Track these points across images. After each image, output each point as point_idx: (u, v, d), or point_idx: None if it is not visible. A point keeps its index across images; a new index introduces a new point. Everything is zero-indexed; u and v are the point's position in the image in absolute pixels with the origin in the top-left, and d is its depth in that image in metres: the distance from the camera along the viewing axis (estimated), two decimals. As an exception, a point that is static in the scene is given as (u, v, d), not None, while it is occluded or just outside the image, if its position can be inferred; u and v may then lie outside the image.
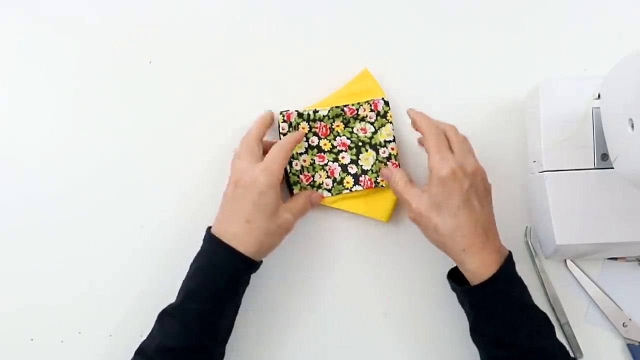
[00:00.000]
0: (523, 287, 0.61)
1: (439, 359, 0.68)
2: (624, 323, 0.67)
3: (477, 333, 0.61)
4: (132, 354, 0.60)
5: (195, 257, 0.63)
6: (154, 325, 0.61)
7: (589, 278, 0.68)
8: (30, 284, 0.69)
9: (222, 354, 0.63)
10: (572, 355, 0.64)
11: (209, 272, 0.61)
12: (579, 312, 0.68)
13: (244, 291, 0.64)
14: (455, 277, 0.62)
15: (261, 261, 0.63)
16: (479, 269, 0.58)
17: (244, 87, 0.71)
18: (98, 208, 0.70)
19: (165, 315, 0.61)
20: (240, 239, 0.60)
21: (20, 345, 0.69)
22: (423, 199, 0.60)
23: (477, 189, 0.60)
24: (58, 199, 0.70)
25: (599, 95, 0.61)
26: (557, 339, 0.60)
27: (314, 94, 0.70)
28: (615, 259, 0.68)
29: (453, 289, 0.63)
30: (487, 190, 0.62)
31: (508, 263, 0.59)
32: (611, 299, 0.68)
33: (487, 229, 0.60)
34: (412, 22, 0.72)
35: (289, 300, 0.69)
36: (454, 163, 0.59)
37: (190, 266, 0.63)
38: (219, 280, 0.61)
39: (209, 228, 0.63)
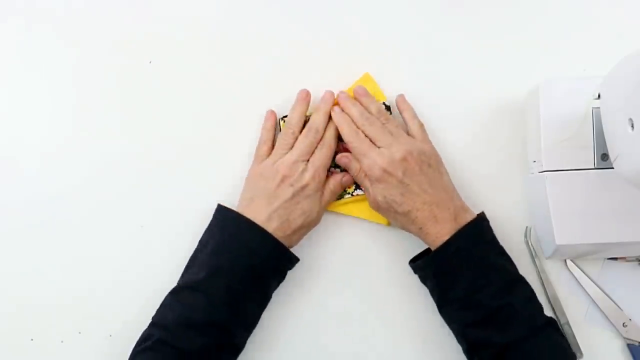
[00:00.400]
0: (490, 249, 0.62)
1: (441, 356, 0.68)
2: (624, 323, 0.67)
3: (445, 304, 0.62)
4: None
5: (215, 235, 0.63)
6: (166, 300, 0.61)
7: (589, 278, 0.68)
8: (30, 284, 0.69)
9: (243, 344, 0.62)
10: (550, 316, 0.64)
11: (240, 253, 0.61)
12: (579, 312, 0.68)
13: (276, 287, 0.64)
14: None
15: (296, 258, 0.64)
16: (438, 239, 0.61)
17: (244, 88, 0.71)
18: (98, 208, 0.70)
19: (186, 290, 0.60)
20: (280, 233, 0.62)
21: (20, 345, 0.69)
22: (374, 192, 0.64)
23: (412, 172, 0.62)
24: (58, 199, 0.70)
25: (599, 95, 0.61)
26: (526, 295, 0.61)
27: (316, 98, 0.70)
28: (615, 259, 0.68)
29: (415, 268, 0.65)
30: (427, 166, 0.63)
31: (470, 226, 0.61)
32: (611, 299, 0.68)
33: (437, 203, 0.62)
34: (411, 23, 0.72)
35: (289, 302, 0.69)
36: (380, 161, 0.62)
37: (205, 242, 0.63)
38: (251, 263, 0.61)
39: (236, 213, 0.63)
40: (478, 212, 0.64)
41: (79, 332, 0.69)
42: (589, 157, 0.63)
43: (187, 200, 0.70)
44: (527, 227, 0.69)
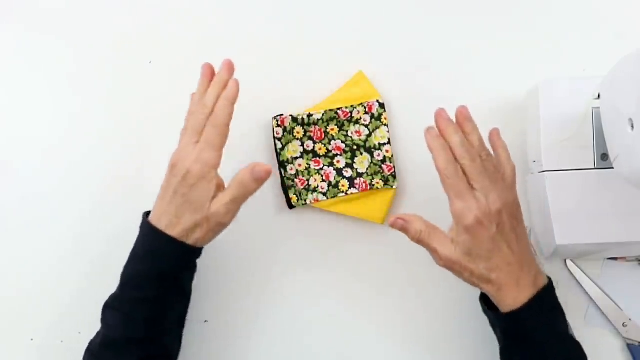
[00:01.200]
0: (557, 317, 0.58)
1: (436, 358, 0.68)
2: (624, 323, 0.67)
3: (508, 356, 0.60)
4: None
5: (134, 244, 0.60)
6: (101, 320, 0.59)
7: (589, 278, 0.68)
8: (30, 284, 0.69)
9: (177, 345, 0.61)
10: None
11: (145, 258, 0.58)
12: (579, 312, 0.68)
13: (190, 279, 0.61)
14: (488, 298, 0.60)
15: (199, 250, 0.59)
16: (514, 302, 0.56)
17: (245, 88, 0.70)
18: (98, 208, 0.70)
19: (107, 308, 0.59)
20: (172, 231, 0.57)
21: (20, 345, 0.69)
22: (452, 247, 0.57)
23: (503, 228, 0.56)
24: (58, 199, 0.70)
25: (598, 95, 0.61)
26: None
27: (309, 98, 0.70)
28: (615, 259, 0.68)
29: (485, 312, 0.61)
30: (516, 221, 0.58)
31: (543, 292, 0.57)
32: (611, 299, 0.68)
33: (521, 264, 0.57)
34: (408, 23, 0.72)
35: (285, 301, 0.69)
36: (476, 209, 0.55)
37: (129, 256, 0.60)
38: (156, 267, 0.57)
39: (146, 213, 0.60)
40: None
41: (79, 332, 0.69)
42: (589, 157, 0.63)
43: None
44: (527, 227, 0.69)
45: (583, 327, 0.68)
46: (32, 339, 0.69)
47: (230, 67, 0.60)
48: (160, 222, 0.57)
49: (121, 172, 0.70)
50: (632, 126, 0.52)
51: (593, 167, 0.63)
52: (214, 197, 0.57)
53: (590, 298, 0.68)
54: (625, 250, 0.67)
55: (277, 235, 0.69)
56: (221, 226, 0.58)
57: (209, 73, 0.61)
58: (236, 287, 0.69)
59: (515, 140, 0.70)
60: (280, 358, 0.69)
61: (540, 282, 0.57)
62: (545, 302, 0.57)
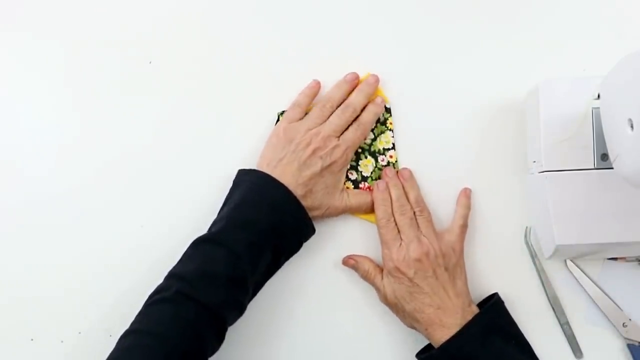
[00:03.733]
0: (500, 336, 0.62)
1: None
2: (624, 323, 0.67)
3: None
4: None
5: (243, 194, 0.62)
6: (187, 252, 0.60)
7: (589, 278, 0.68)
8: (30, 284, 0.69)
9: (244, 308, 0.61)
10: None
11: (263, 209, 0.61)
12: (579, 312, 0.68)
13: (288, 255, 0.64)
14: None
15: (313, 229, 0.64)
16: (442, 340, 0.61)
17: (245, 88, 0.71)
18: (98, 208, 0.70)
19: (207, 242, 0.60)
20: (300, 198, 0.62)
21: (20, 345, 0.69)
22: (384, 287, 0.65)
23: (424, 275, 0.63)
24: (58, 199, 0.70)
25: (598, 95, 0.61)
26: None
27: (317, 98, 0.70)
28: (615, 259, 0.68)
29: None
30: (441, 269, 0.63)
31: (477, 318, 0.62)
32: (611, 299, 0.68)
33: (443, 308, 0.62)
34: (411, 23, 0.72)
35: (285, 301, 0.69)
36: (396, 258, 0.63)
37: (229, 198, 0.63)
38: (272, 219, 0.61)
39: (264, 173, 0.63)
40: (494, 294, 0.65)
41: (79, 332, 0.69)
42: (589, 157, 0.63)
43: (188, 200, 0.70)
44: (527, 227, 0.69)
45: (583, 327, 0.68)
46: (32, 339, 0.69)
47: (377, 82, 0.69)
48: (295, 189, 0.62)
49: (121, 172, 0.70)
50: (632, 126, 0.52)
51: (593, 167, 0.63)
52: (341, 190, 0.67)
53: (590, 298, 0.68)
54: (625, 250, 0.67)
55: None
56: (329, 216, 0.67)
57: (355, 82, 0.69)
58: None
59: (515, 140, 0.70)
60: (280, 358, 0.69)
61: (468, 319, 0.62)
62: (477, 329, 0.61)
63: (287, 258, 0.64)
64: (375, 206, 0.67)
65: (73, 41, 0.72)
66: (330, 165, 0.64)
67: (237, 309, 0.60)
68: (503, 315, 0.64)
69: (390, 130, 0.69)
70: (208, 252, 0.59)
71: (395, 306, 0.65)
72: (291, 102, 0.69)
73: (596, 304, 0.68)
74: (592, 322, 0.68)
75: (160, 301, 0.58)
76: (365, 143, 0.69)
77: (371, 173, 0.69)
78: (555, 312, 0.68)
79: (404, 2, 0.72)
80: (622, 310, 0.68)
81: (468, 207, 0.68)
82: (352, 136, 0.66)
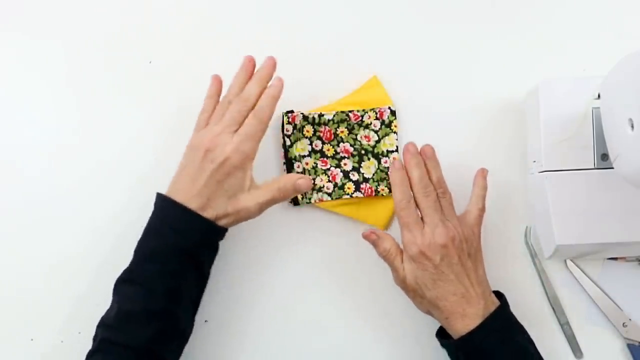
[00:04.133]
0: (514, 331, 0.61)
1: (436, 358, 0.68)
2: (624, 323, 0.67)
3: None
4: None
5: (148, 222, 0.60)
6: (112, 299, 0.59)
7: (589, 278, 0.68)
8: (30, 284, 0.69)
9: (190, 325, 0.61)
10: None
11: (166, 233, 0.58)
12: (579, 312, 0.68)
13: (211, 261, 0.61)
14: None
15: (224, 229, 0.60)
16: (463, 329, 0.59)
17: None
18: (98, 208, 0.70)
19: (123, 283, 0.59)
20: (201, 213, 0.58)
21: (20, 345, 0.69)
22: (404, 271, 0.62)
23: (450, 261, 0.60)
24: (58, 199, 0.70)
25: (598, 95, 0.61)
26: None
27: (321, 99, 0.70)
28: (615, 259, 0.68)
29: (443, 345, 0.63)
30: (466, 256, 0.61)
31: (490, 318, 0.60)
32: (611, 299, 0.68)
33: (467, 297, 0.60)
34: (411, 24, 0.72)
35: (286, 301, 0.69)
36: (421, 242, 0.60)
37: (143, 232, 0.60)
38: (177, 242, 0.58)
39: (159, 194, 0.60)
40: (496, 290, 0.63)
41: (79, 332, 0.69)
42: (589, 157, 0.63)
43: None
44: (527, 227, 0.69)
45: (583, 327, 0.68)
46: (32, 339, 0.69)
47: (273, 65, 0.63)
48: (189, 202, 0.58)
49: (121, 172, 0.70)
50: (632, 126, 0.52)
51: (593, 167, 0.63)
52: (248, 189, 0.60)
53: (590, 298, 0.68)
54: (625, 250, 0.67)
55: (279, 233, 0.69)
56: (247, 219, 0.61)
57: (250, 67, 0.63)
58: (236, 286, 0.69)
59: (515, 140, 0.70)
60: (280, 357, 0.69)
61: (489, 309, 0.60)
62: (495, 325, 0.60)
63: (210, 265, 0.62)
64: (393, 186, 0.63)
65: (73, 41, 0.72)
66: (222, 165, 0.58)
67: (175, 336, 0.59)
68: (510, 310, 0.63)
69: (394, 132, 0.69)
70: (124, 293, 0.59)
71: (414, 291, 0.62)
72: (300, 99, 0.69)
73: (596, 304, 0.68)
74: (592, 322, 0.68)
75: (90, 355, 0.58)
76: (368, 145, 0.69)
77: (373, 175, 0.69)
78: (555, 312, 0.68)
79: (405, 3, 0.72)
80: (622, 310, 0.68)
81: (485, 188, 0.65)
82: (248, 128, 0.60)
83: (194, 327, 0.62)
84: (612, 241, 0.63)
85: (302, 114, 0.69)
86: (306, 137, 0.69)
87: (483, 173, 0.65)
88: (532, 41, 0.71)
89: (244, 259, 0.69)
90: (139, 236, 0.69)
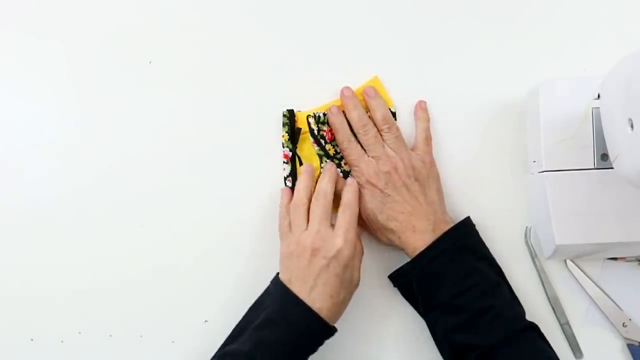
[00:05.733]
0: (471, 254, 0.63)
1: (436, 358, 0.68)
2: (624, 323, 0.67)
3: (429, 310, 0.63)
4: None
5: (266, 304, 0.61)
6: None
7: (589, 278, 0.68)
8: (30, 284, 0.69)
9: None
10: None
11: (283, 328, 0.59)
12: (579, 312, 0.68)
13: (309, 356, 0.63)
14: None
15: (335, 329, 0.62)
16: (416, 249, 0.63)
17: (246, 88, 0.71)
18: (98, 208, 0.70)
19: (229, 356, 0.59)
20: (322, 312, 0.60)
21: (20, 345, 0.69)
22: (362, 199, 0.65)
23: (395, 184, 0.64)
24: (58, 200, 0.70)
25: (598, 95, 0.61)
26: (508, 299, 0.62)
27: (322, 100, 0.70)
28: (615, 259, 0.68)
29: (398, 276, 0.66)
30: (411, 180, 0.64)
31: (448, 234, 0.62)
32: (611, 299, 0.68)
33: (416, 214, 0.63)
34: (411, 24, 0.72)
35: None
36: (366, 172, 0.64)
37: (254, 308, 0.62)
38: (292, 340, 0.59)
39: (282, 282, 0.61)
40: (466, 216, 0.65)
41: (79, 332, 0.69)
42: (589, 157, 0.63)
43: (188, 200, 0.70)
44: (527, 227, 0.69)
45: (583, 327, 0.68)
46: (32, 339, 0.69)
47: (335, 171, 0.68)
48: (312, 303, 0.60)
49: (121, 172, 0.70)
50: (632, 126, 0.52)
51: (593, 167, 0.63)
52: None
53: (590, 298, 0.68)
54: (625, 250, 0.67)
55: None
56: (355, 289, 0.64)
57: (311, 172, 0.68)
58: (236, 286, 0.69)
59: (515, 140, 0.70)
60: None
61: (442, 228, 0.63)
62: (449, 243, 0.62)
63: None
64: (334, 130, 0.67)
65: (73, 41, 0.72)
66: (335, 257, 0.61)
67: None
68: (475, 235, 0.65)
69: None
70: None
71: (368, 219, 0.65)
72: (302, 100, 0.69)
73: (596, 304, 0.68)
74: (592, 322, 0.68)
75: None
76: None
77: None
78: (555, 312, 0.68)
79: (405, 3, 0.72)
80: (622, 310, 0.68)
81: (427, 119, 0.68)
82: (343, 219, 0.63)
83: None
84: (612, 241, 0.63)
85: (306, 114, 0.69)
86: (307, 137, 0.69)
87: (421, 105, 0.69)
88: (532, 41, 0.71)
89: (244, 260, 0.69)
90: (139, 236, 0.69)
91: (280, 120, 0.69)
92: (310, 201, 0.65)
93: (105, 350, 0.68)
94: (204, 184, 0.70)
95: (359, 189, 0.65)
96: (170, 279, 0.67)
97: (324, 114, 0.69)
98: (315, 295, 0.60)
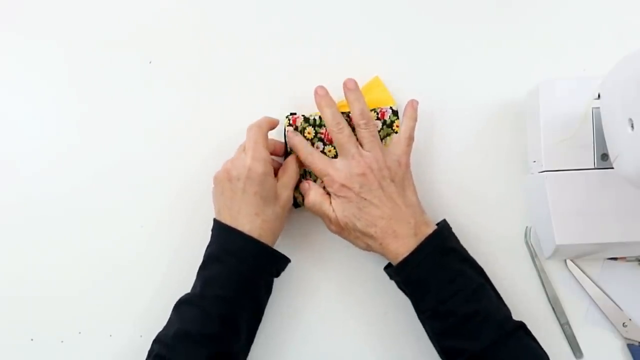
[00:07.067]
0: (452, 257, 0.62)
1: (436, 358, 0.68)
2: (624, 323, 0.67)
3: (418, 313, 0.63)
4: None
5: (208, 248, 0.63)
6: (170, 315, 0.61)
7: (589, 278, 0.68)
8: (30, 284, 0.69)
9: (245, 352, 0.62)
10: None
11: (225, 260, 0.60)
12: (579, 312, 0.68)
13: (267, 289, 0.64)
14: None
15: (286, 258, 0.64)
16: (398, 255, 0.61)
17: (246, 88, 0.71)
18: (98, 208, 0.70)
19: (183, 304, 0.61)
20: (255, 233, 0.61)
21: (20, 345, 0.69)
22: (334, 211, 0.63)
23: (370, 188, 0.62)
24: (58, 200, 0.70)
25: (598, 95, 0.61)
26: (493, 301, 0.61)
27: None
28: (615, 259, 0.68)
29: (390, 275, 0.65)
30: (387, 181, 0.62)
31: (430, 239, 0.61)
32: (611, 299, 0.68)
33: (396, 218, 0.61)
34: (411, 24, 0.72)
35: (286, 301, 0.69)
36: (338, 177, 0.62)
37: (204, 257, 0.63)
38: (235, 269, 0.60)
39: (217, 221, 0.63)
40: (442, 218, 0.64)
41: (79, 332, 0.69)
42: (589, 157, 0.63)
43: (188, 200, 0.70)
44: (527, 227, 0.69)
45: (583, 327, 0.68)
46: (32, 339, 0.69)
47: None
48: (241, 226, 0.61)
49: (121, 171, 0.70)
50: (632, 126, 0.52)
51: (593, 167, 0.63)
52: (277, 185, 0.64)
53: (591, 298, 0.68)
54: (625, 250, 0.67)
55: (281, 233, 0.69)
56: (289, 209, 0.65)
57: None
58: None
59: (515, 140, 0.70)
60: (280, 357, 0.69)
61: (423, 232, 0.61)
62: (430, 248, 0.61)
63: (268, 295, 0.64)
64: (296, 152, 0.66)
65: (73, 41, 0.72)
66: (248, 176, 0.61)
67: (228, 357, 0.60)
68: (454, 237, 0.64)
69: (395, 132, 0.69)
70: (184, 313, 0.60)
71: (346, 227, 0.63)
72: (301, 101, 0.69)
73: (596, 304, 0.68)
74: (592, 322, 0.68)
75: None
76: None
77: None
78: (555, 312, 0.68)
79: (405, 3, 0.72)
80: (622, 310, 0.68)
81: (415, 119, 0.66)
82: (248, 136, 0.64)
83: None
84: (612, 241, 0.63)
85: (303, 115, 0.69)
86: (307, 139, 0.69)
87: (413, 104, 0.66)
88: (532, 41, 0.71)
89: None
90: (139, 236, 0.69)
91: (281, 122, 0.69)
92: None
93: (105, 350, 0.68)
94: (205, 184, 0.70)
95: (334, 196, 0.63)
96: (171, 279, 0.67)
97: (320, 117, 0.68)
98: (242, 219, 0.61)
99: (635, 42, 0.70)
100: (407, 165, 0.65)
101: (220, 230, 0.62)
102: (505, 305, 0.62)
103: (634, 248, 0.65)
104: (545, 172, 0.64)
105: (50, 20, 0.72)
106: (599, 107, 0.61)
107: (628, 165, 0.54)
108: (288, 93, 0.70)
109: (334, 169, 0.63)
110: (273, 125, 0.67)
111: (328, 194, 0.65)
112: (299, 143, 0.66)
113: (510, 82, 0.70)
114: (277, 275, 0.64)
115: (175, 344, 0.59)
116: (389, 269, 0.64)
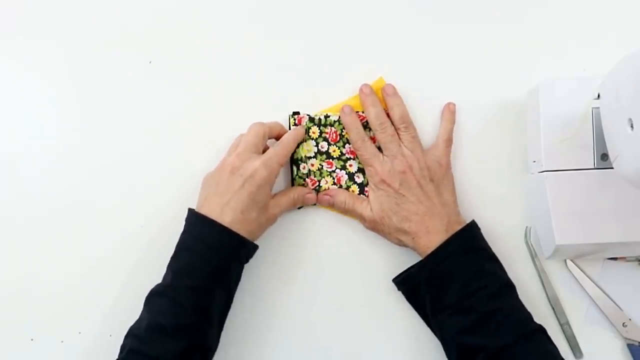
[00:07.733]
0: (481, 255, 0.63)
1: (438, 356, 0.68)
2: (624, 323, 0.67)
3: (438, 311, 0.62)
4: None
5: (180, 238, 0.63)
6: (142, 310, 0.61)
7: (589, 278, 0.68)
8: (30, 284, 0.69)
9: (216, 341, 0.62)
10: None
11: (198, 249, 0.61)
12: (579, 312, 0.68)
13: (237, 278, 0.63)
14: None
15: (255, 245, 0.63)
16: (429, 248, 0.62)
17: (246, 88, 0.71)
18: (98, 208, 0.70)
19: (154, 296, 0.61)
20: (233, 226, 0.61)
21: (20, 345, 0.69)
22: (370, 204, 0.66)
23: (409, 185, 0.64)
24: (58, 199, 0.70)
25: (598, 95, 0.61)
26: (517, 302, 0.62)
27: (327, 100, 0.70)
28: (615, 259, 0.68)
29: (405, 279, 0.65)
30: (426, 180, 0.65)
31: (461, 233, 0.63)
32: (611, 299, 0.68)
33: (430, 214, 0.63)
34: (411, 24, 0.72)
35: (287, 301, 0.69)
36: (381, 171, 0.65)
37: (176, 248, 0.62)
38: (208, 258, 0.60)
39: (191, 209, 0.63)
40: (471, 219, 0.65)
41: (79, 332, 0.69)
42: (589, 157, 0.63)
43: (188, 200, 0.69)
44: (527, 227, 0.69)
45: (583, 327, 0.68)
46: (32, 339, 0.69)
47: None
48: (222, 217, 0.61)
49: (121, 171, 0.70)
50: (632, 126, 0.52)
51: (593, 167, 0.63)
52: (272, 198, 0.65)
53: (591, 298, 0.68)
54: (625, 250, 0.67)
55: (283, 234, 0.69)
56: (270, 225, 0.66)
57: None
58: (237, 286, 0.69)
59: (515, 140, 0.70)
60: (280, 357, 0.69)
61: (454, 229, 0.63)
62: (461, 242, 0.63)
63: (237, 282, 0.64)
64: (347, 130, 0.67)
65: (73, 41, 0.72)
66: (251, 176, 0.62)
67: (202, 352, 0.60)
68: (483, 238, 0.65)
69: None
70: (156, 306, 0.60)
71: (382, 220, 0.65)
72: (307, 100, 0.69)
73: (596, 304, 0.68)
74: (592, 322, 0.68)
75: None
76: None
77: None
78: (555, 312, 0.68)
79: (406, 3, 0.72)
80: (622, 310, 0.68)
81: (452, 122, 0.68)
82: (271, 151, 0.65)
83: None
84: (612, 241, 0.63)
85: (308, 115, 0.69)
86: (312, 139, 0.69)
87: (450, 107, 0.69)
88: (532, 41, 0.71)
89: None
90: (138, 236, 0.69)
91: (286, 121, 0.69)
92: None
93: (105, 350, 0.68)
94: (204, 184, 0.70)
95: (373, 189, 0.66)
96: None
97: (326, 117, 0.69)
98: (227, 210, 0.61)
99: (635, 42, 0.70)
100: (448, 165, 0.67)
101: (197, 221, 0.62)
102: (525, 308, 0.62)
103: (634, 248, 0.65)
104: (545, 172, 0.64)
105: (50, 21, 0.72)
106: (598, 107, 0.61)
107: (628, 165, 0.54)
108: (289, 93, 0.70)
109: (379, 163, 0.65)
110: (276, 134, 0.68)
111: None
112: (352, 124, 0.67)
113: (510, 82, 0.70)
114: (247, 261, 0.64)
115: (149, 338, 0.58)
116: (411, 267, 0.65)
